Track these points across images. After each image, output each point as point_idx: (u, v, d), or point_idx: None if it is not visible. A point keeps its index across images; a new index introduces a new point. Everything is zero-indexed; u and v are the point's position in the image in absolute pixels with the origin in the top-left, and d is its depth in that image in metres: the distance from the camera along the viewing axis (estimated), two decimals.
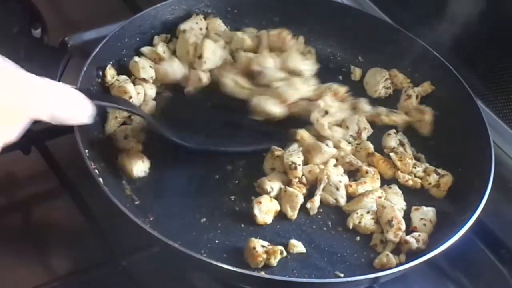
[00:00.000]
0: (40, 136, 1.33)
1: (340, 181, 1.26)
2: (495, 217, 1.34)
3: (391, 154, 1.33)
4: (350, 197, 1.27)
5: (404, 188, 1.30)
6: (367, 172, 1.29)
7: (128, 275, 1.21)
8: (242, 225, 1.21)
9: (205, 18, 1.47)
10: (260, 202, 1.21)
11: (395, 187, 1.30)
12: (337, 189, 1.26)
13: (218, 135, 1.33)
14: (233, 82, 1.39)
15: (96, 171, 1.17)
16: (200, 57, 1.38)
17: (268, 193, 1.24)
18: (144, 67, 1.37)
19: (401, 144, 1.36)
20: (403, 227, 1.22)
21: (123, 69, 1.38)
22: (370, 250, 1.21)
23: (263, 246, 1.14)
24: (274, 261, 1.14)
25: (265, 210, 1.21)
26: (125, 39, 1.39)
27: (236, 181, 1.28)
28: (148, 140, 1.29)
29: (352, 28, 1.50)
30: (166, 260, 1.21)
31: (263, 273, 1.12)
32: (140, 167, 1.23)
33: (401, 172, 1.31)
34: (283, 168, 1.27)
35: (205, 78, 1.39)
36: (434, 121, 1.39)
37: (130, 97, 1.30)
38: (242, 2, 1.50)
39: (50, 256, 1.26)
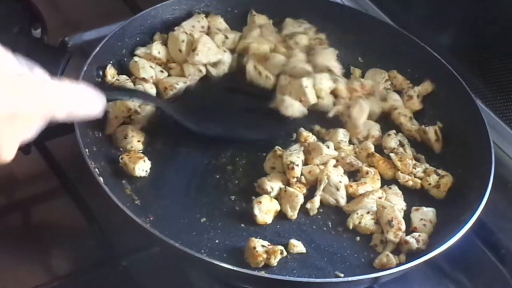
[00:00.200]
0: (40, 136, 1.32)
1: (340, 182, 1.26)
2: (495, 217, 1.34)
3: (391, 154, 1.33)
4: (350, 197, 1.27)
5: (404, 189, 1.30)
6: (367, 173, 1.29)
7: (128, 275, 1.20)
8: (242, 225, 1.21)
9: (206, 16, 1.47)
10: (260, 202, 1.21)
11: (395, 188, 1.30)
12: (337, 190, 1.26)
13: (235, 122, 1.34)
14: (257, 71, 1.40)
15: (96, 170, 1.17)
16: (194, 49, 1.38)
17: (268, 193, 1.24)
18: (144, 67, 1.37)
19: (401, 144, 1.36)
20: (403, 227, 1.22)
21: (123, 69, 1.38)
22: (370, 250, 1.21)
23: (263, 246, 1.14)
24: (274, 261, 1.14)
25: (265, 210, 1.21)
26: (125, 39, 1.39)
27: (236, 181, 1.28)
28: (149, 140, 1.29)
29: (352, 29, 1.50)
30: (166, 260, 1.21)
31: (263, 272, 1.12)
32: (141, 166, 1.23)
33: (401, 172, 1.31)
34: (283, 168, 1.27)
35: (203, 70, 1.39)
36: (442, 136, 1.37)
37: None
38: (242, 2, 1.50)
39: (50, 256, 1.26)
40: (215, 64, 1.41)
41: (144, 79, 1.35)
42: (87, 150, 1.18)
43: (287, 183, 1.26)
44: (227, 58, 1.43)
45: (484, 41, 1.47)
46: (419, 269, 1.23)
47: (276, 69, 1.40)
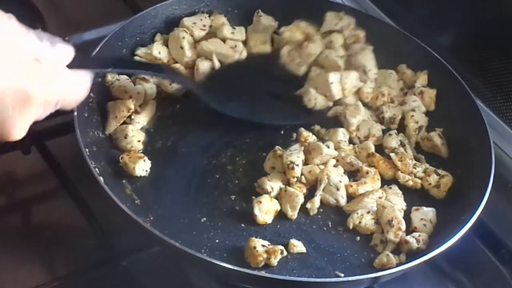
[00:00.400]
0: (40, 136, 1.33)
1: (340, 181, 1.26)
2: (495, 217, 1.34)
3: (392, 154, 1.33)
4: (350, 197, 1.27)
5: (404, 189, 1.30)
6: (367, 173, 1.29)
7: (128, 275, 1.20)
8: (243, 225, 1.21)
9: (209, 15, 1.47)
10: (260, 202, 1.21)
11: (395, 188, 1.30)
12: (337, 189, 1.26)
13: (259, 106, 1.36)
14: (291, 57, 1.41)
15: (97, 170, 1.17)
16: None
17: (268, 193, 1.24)
18: None
19: (402, 145, 1.36)
20: (403, 227, 1.22)
21: None
22: (370, 250, 1.21)
23: (263, 246, 1.14)
24: (274, 261, 1.14)
25: (265, 209, 1.21)
26: (125, 39, 1.39)
27: (236, 181, 1.28)
28: (148, 140, 1.30)
29: None
30: (166, 260, 1.21)
31: (263, 272, 1.12)
32: (141, 166, 1.23)
33: (401, 172, 1.31)
34: (283, 168, 1.27)
35: (216, 63, 1.40)
36: (446, 140, 1.37)
37: (130, 97, 1.30)
38: (242, 2, 1.50)
39: (50, 256, 1.26)
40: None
41: (144, 79, 1.35)
42: (87, 150, 1.18)
43: (287, 183, 1.26)
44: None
45: (484, 41, 1.47)
46: (419, 269, 1.23)
47: (310, 58, 1.41)
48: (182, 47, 1.39)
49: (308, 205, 1.24)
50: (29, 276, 1.21)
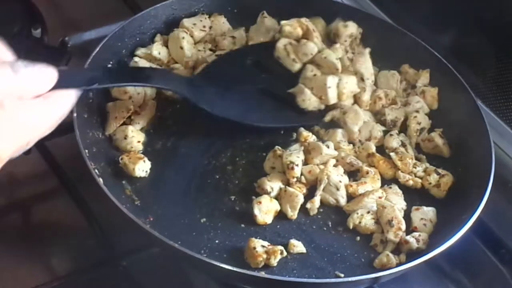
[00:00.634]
0: None
1: (340, 181, 1.26)
2: (495, 217, 1.34)
3: (392, 154, 1.33)
4: (350, 197, 1.27)
5: (405, 188, 1.30)
6: (367, 173, 1.29)
7: (128, 275, 1.21)
8: (242, 225, 1.21)
9: (209, 16, 1.47)
10: (260, 202, 1.21)
11: (395, 187, 1.30)
12: (337, 189, 1.26)
13: (249, 107, 1.33)
14: (286, 51, 1.39)
15: (96, 171, 1.17)
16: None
17: (268, 193, 1.24)
18: None
19: (403, 145, 1.36)
20: (403, 227, 1.22)
21: None
22: (370, 250, 1.21)
23: (263, 246, 1.14)
24: (274, 261, 1.14)
25: (265, 210, 1.21)
26: (125, 39, 1.38)
27: (236, 181, 1.27)
28: (148, 140, 1.30)
29: None
30: (166, 260, 1.21)
31: (263, 273, 1.12)
32: (141, 167, 1.23)
33: (402, 172, 1.31)
34: (283, 168, 1.27)
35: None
36: (447, 140, 1.37)
37: (130, 98, 1.30)
38: (242, 2, 1.50)
39: (50, 256, 1.26)
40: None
41: None
42: (87, 151, 1.18)
43: (287, 183, 1.26)
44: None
45: (484, 41, 1.47)
46: (419, 269, 1.23)
47: (305, 57, 1.39)
48: (182, 48, 1.39)
49: (308, 205, 1.24)
50: (29, 276, 1.21)
